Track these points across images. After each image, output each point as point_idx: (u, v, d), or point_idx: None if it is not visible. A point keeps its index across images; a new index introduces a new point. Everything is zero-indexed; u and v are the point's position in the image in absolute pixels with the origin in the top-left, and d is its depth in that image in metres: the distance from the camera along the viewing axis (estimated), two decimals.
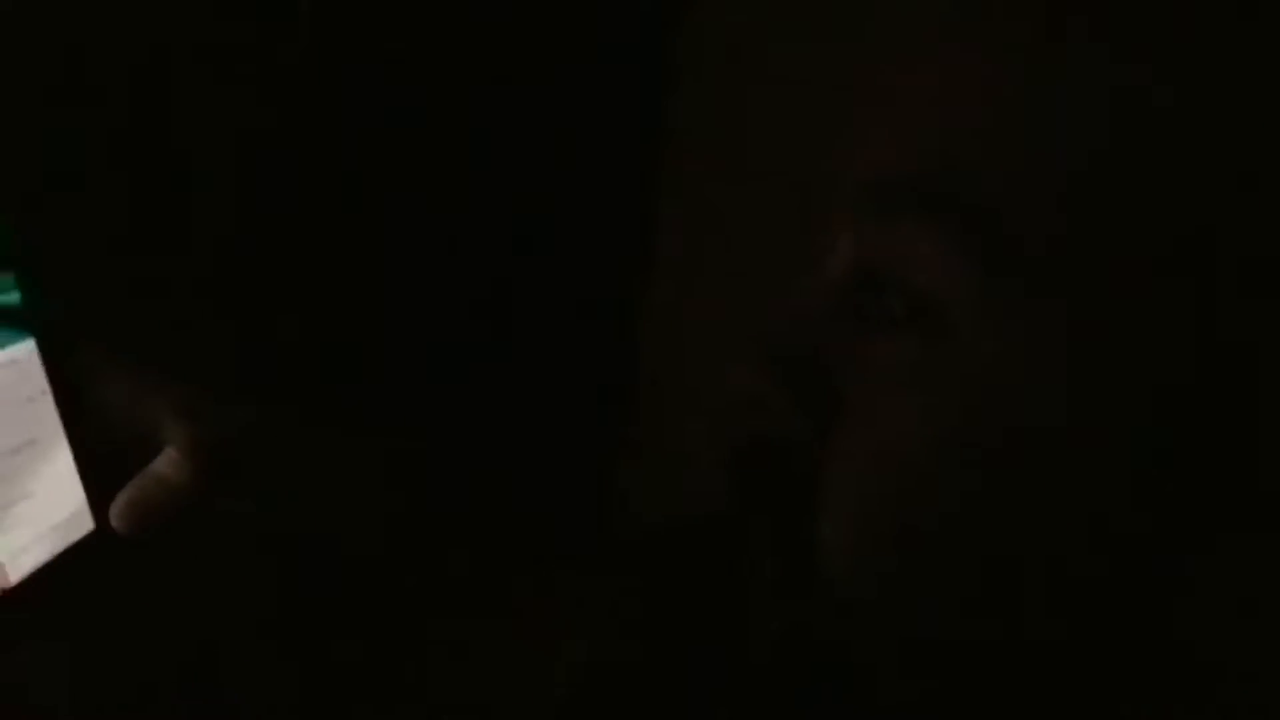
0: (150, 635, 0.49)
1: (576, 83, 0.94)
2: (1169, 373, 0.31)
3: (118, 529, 0.47)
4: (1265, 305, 0.30)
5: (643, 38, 0.96)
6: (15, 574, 0.44)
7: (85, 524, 0.48)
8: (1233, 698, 0.31)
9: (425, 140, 0.88)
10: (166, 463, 0.47)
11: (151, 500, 0.47)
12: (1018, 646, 0.34)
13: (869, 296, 0.35)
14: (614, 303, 0.98)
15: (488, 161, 0.92)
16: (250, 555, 0.50)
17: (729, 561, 0.42)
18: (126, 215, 0.53)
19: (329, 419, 0.54)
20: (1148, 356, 0.31)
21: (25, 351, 0.47)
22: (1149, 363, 0.31)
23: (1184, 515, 0.31)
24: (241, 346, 0.51)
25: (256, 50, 0.70)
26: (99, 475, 0.49)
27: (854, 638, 0.36)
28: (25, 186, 0.46)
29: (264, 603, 0.51)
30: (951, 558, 0.33)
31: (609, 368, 0.98)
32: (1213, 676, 0.32)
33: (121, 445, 0.51)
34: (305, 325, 0.68)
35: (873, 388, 0.35)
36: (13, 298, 0.46)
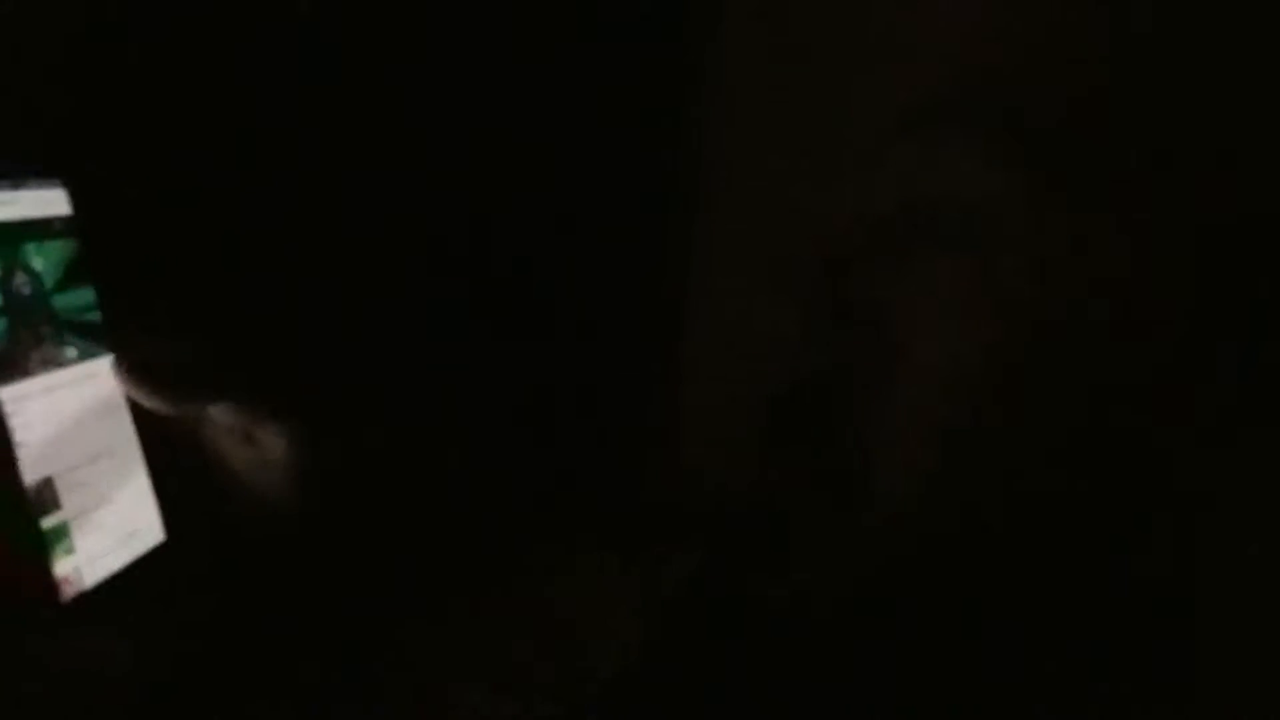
0: (211, 647, 0.49)
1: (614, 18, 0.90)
2: (1209, 268, 0.30)
3: (125, 388, 0.48)
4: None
5: None
6: (90, 578, 0.45)
7: (156, 534, 0.50)
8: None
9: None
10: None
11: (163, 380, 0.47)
12: (1068, 561, 0.33)
13: (917, 220, 0.35)
14: (652, 255, 0.92)
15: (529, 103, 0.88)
16: (316, 563, 0.51)
17: (770, 515, 0.42)
18: (206, 235, 0.55)
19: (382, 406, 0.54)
20: (1188, 254, 0.31)
21: (104, 365, 0.49)
22: (1188, 260, 0.31)
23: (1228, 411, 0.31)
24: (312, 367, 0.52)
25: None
26: (170, 488, 0.51)
27: (900, 577, 0.35)
28: (103, 202, 0.48)
29: (326, 604, 0.51)
30: (1011, 466, 0.32)
31: (651, 323, 0.93)
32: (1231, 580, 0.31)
33: (193, 461, 0.52)
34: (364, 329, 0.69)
35: (927, 310, 0.34)
36: (95, 313, 0.48)
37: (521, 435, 0.65)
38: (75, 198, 0.48)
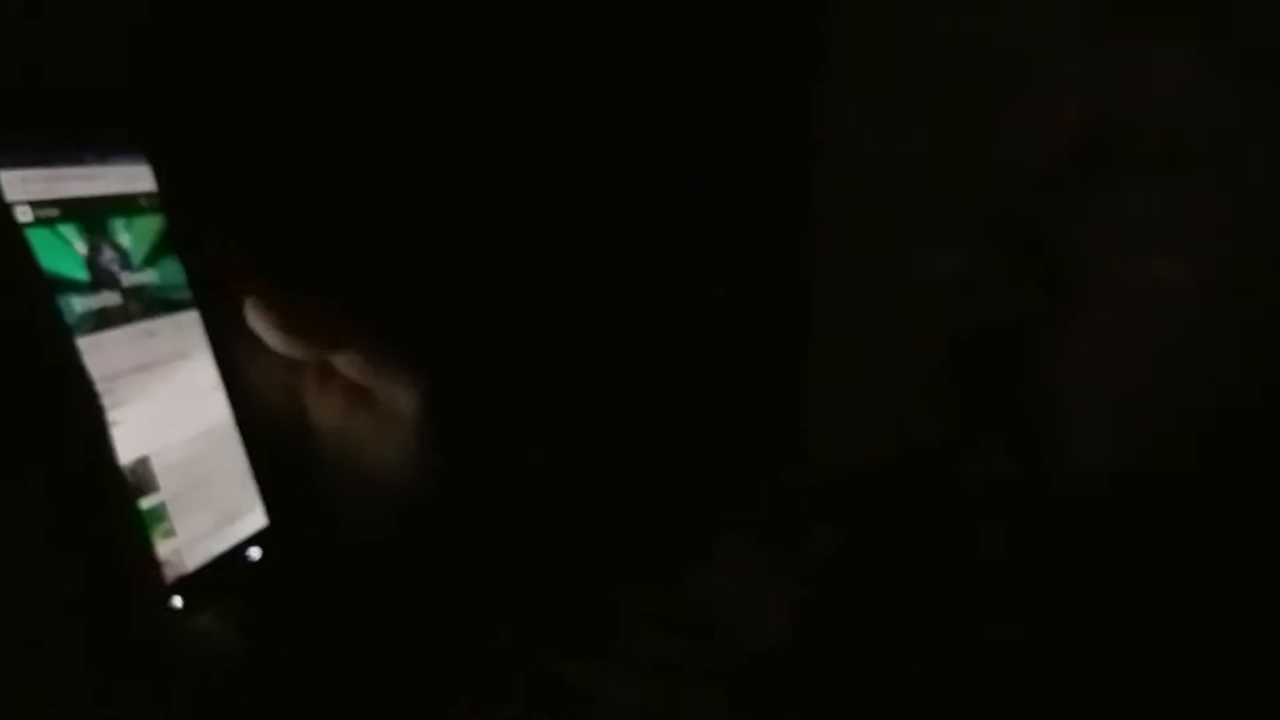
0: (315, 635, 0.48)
1: None
2: None
3: (253, 326, 0.47)
4: None
5: None
6: (192, 561, 0.44)
7: (259, 519, 0.48)
8: None
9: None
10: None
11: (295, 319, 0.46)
12: None
13: (1106, 141, 0.30)
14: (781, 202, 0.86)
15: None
16: (430, 542, 0.49)
17: (943, 478, 0.38)
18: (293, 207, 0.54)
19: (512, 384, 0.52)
20: None
21: (197, 344, 0.47)
22: None
23: None
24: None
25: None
26: (270, 470, 0.49)
27: (1099, 534, 0.31)
28: (189, 177, 0.47)
29: (441, 585, 0.49)
30: (1227, 416, 0.28)
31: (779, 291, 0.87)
32: None
33: (290, 442, 0.51)
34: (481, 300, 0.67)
35: (1121, 245, 0.30)
36: (184, 290, 0.47)
37: (655, 420, 0.62)
38: (161, 172, 0.47)
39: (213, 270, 0.48)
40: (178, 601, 0.42)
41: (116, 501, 0.37)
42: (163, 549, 0.43)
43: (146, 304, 0.45)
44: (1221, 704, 0.30)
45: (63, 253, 0.41)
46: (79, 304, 0.41)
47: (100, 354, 0.42)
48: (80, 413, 0.36)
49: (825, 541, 0.43)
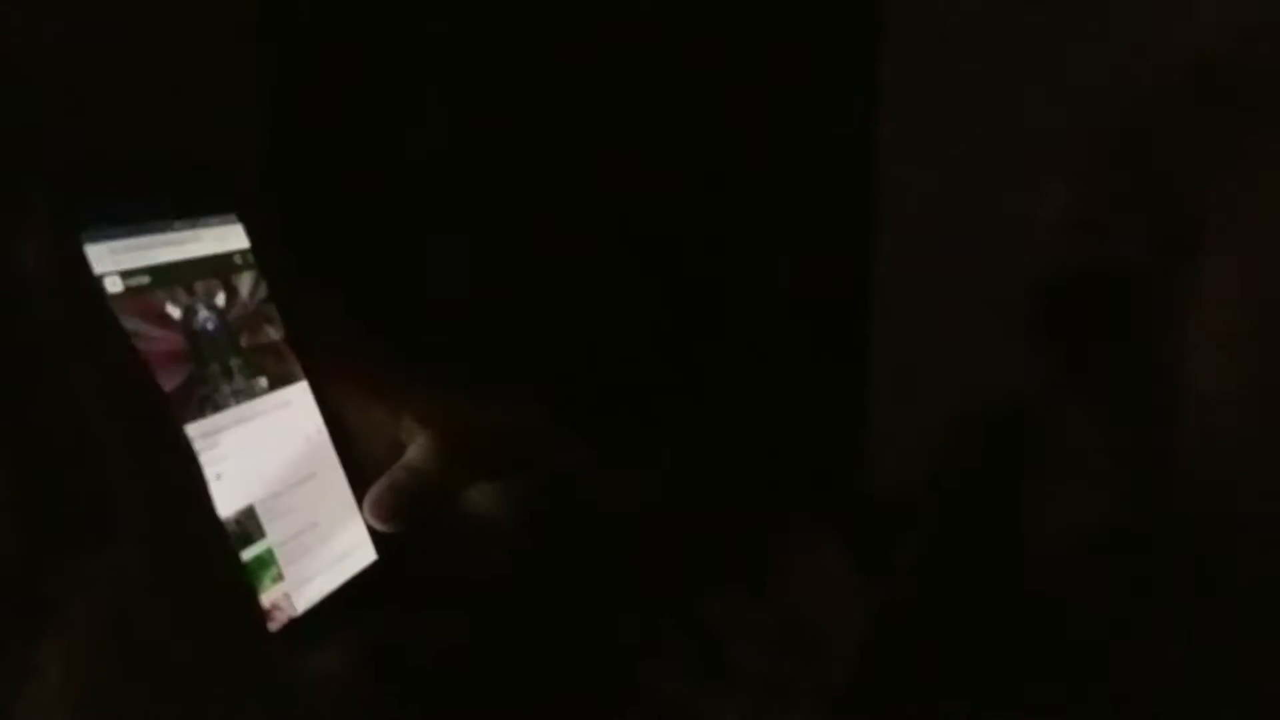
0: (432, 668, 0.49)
1: None
2: None
3: (372, 522, 0.48)
4: None
5: None
6: (302, 603, 0.45)
7: (367, 555, 0.49)
8: None
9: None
10: (418, 453, 0.48)
11: (403, 489, 0.47)
12: None
13: (1242, 71, 0.27)
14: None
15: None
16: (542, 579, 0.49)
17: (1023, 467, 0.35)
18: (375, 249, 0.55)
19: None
20: None
21: (299, 392, 0.49)
22: None
23: None
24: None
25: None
26: None
27: (1217, 511, 0.28)
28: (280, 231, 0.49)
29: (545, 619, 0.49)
30: None
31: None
32: None
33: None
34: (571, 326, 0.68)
35: (1254, 189, 0.27)
36: (283, 342, 0.49)
37: (733, 431, 0.61)
38: (253, 231, 0.49)
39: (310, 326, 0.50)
40: (288, 643, 0.43)
41: (216, 559, 0.38)
42: (273, 594, 0.44)
43: (246, 359, 0.47)
44: None
45: (156, 318, 0.43)
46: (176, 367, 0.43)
47: (200, 411, 0.44)
48: (173, 472, 0.37)
49: (913, 547, 0.41)
